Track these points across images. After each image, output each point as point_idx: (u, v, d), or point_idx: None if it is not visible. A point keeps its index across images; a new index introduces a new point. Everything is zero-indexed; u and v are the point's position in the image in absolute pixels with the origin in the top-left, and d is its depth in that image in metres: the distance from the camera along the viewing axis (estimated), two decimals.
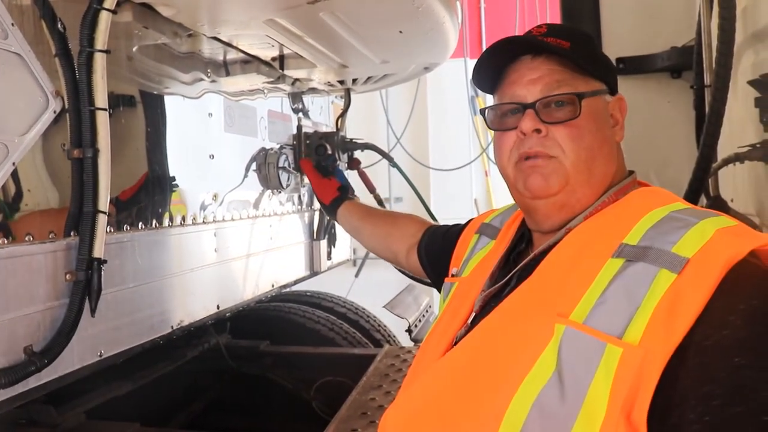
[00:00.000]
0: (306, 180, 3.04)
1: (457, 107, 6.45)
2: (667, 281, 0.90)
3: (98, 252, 1.52)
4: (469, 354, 1.10)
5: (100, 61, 1.51)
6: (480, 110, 1.35)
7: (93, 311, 1.53)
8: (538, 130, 1.15)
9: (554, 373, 0.92)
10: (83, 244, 1.50)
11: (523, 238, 1.31)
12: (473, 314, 1.23)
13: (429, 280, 1.91)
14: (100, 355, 1.61)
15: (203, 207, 2.11)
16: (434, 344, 1.26)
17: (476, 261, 1.41)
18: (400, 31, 2.12)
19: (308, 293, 3.70)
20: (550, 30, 1.22)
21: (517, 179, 1.21)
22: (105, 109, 1.53)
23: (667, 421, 0.84)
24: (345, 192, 2.42)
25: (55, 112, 1.47)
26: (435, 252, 1.77)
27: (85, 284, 1.50)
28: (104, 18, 1.51)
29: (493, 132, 1.29)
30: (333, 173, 3.05)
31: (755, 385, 0.82)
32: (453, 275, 1.49)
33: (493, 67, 1.24)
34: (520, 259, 1.25)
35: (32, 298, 1.40)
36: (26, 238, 1.40)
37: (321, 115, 3.35)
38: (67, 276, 1.49)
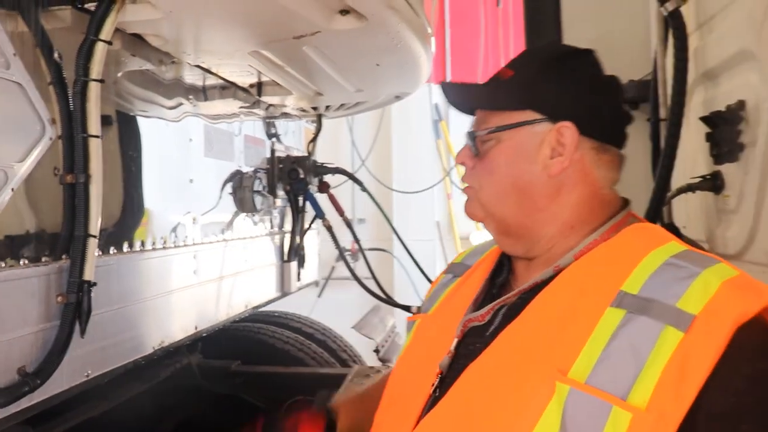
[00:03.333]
0: (278, 202, 3.11)
1: (421, 131, 6.60)
2: (675, 340, 0.88)
3: (88, 275, 1.56)
4: (463, 409, 1.06)
5: (94, 89, 1.57)
6: None
7: (83, 332, 1.57)
8: (463, 163, 1.20)
9: None
10: (74, 267, 1.54)
11: (502, 266, 1.26)
12: (456, 339, 1.18)
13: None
14: (87, 376, 1.64)
15: (183, 230, 2.17)
16: (417, 376, 1.22)
17: (443, 297, 1.38)
18: (377, 64, 2.22)
19: (276, 314, 3.74)
20: (515, 58, 1.23)
21: None
22: (98, 136, 1.58)
23: None
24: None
25: (51, 139, 1.52)
26: None
27: (76, 306, 1.54)
28: (100, 49, 1.57)
29: (455, 155, 1.30)
30: (305, 197, 3.13)
31: None
32: (414, 313, 1.49)
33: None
34: (502, 290, 1.22)
35: (26, 319, 1.44)
36: (21, 262, 1.44)
37: (292, 139, 3.42)
38: (59, 298, 1.53)
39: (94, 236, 1.58)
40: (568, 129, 1.10)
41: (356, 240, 3.37)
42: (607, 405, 0.87)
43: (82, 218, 1.56)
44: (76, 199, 1.56)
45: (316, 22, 1.74)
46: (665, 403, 0.85)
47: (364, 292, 6.60)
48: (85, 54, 1.56)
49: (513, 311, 1.10)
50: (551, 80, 1.14)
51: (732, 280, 0.94)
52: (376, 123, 6.35)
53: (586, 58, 1.18)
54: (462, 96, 1.26)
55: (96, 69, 1.57)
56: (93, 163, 1.58)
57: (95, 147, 1.58)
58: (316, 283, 6.34)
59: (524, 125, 1.12)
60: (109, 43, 1.58)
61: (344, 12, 1.73)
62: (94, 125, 1.57)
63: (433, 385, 1.15)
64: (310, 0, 1.66)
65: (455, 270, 1.42)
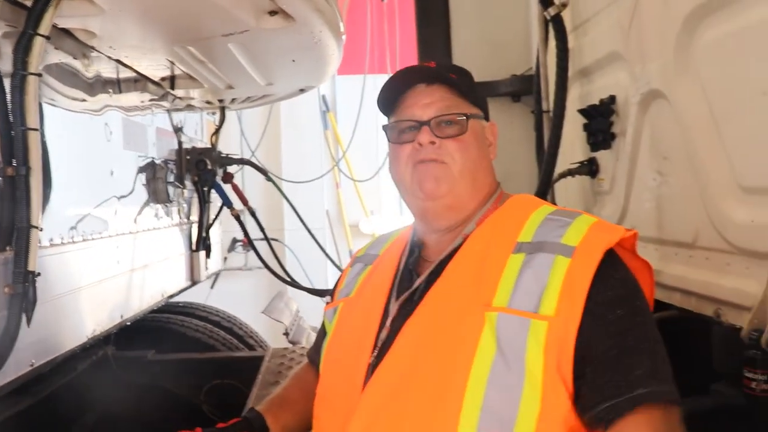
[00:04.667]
0: (186, 194, 3.15)
1: (310, 122, 6.71)
2: (564, 264, 1.21)
3: (32, 265, 1.59)
4: (410, 354, 1.27)
5: (33, 83, 1.59)
6: (382, 126, 1.58)
7: (29, 322, 1.60)
8: (432, 142, 1.37)
9: (497, 352, 1.17)
10: (19, 258, 1.57)
11: (413, 250, 1.48)
12: (390, 317, 1.36)
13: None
14: (32, 365, 1.67)
15: (106, 221, 2.19)
16: (354, 350, 1.38)
17: (359, 282, 1.55)
18: (294, 60, 2.34)
19: (181, 304, 3.76)
20: (439, 65, 1.48)
21: (413, 182, 1.40)
22: (37, 129, 1.61)
23: (582, 361, 1.17)
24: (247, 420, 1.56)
25: None
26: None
27: (22, 296, 1.57)
28: (38, 43, 1.59)
29: (390, 145, 1.47)
30: (211, 187, 3.20)
31: (632, 326, 1.20)
32: (328, 303, 1.64)
33: (391, 93, 1.46)
34: (418, 264, 1.44)
35: None
36: None
37: (193, 130, 3.46)
38: (6, 289, 1.55)
39: (37, 227, 1.61)
40: (495, 126, 1.51)
41: (261, 229, 3.47)
42: (527, 320, 1.18)
43: (24, 210, 1.58)
44: (17, 191, 1.58)
45: (247, 21, 1.85)
46: (566, 309, 1.18)
47: (256, 283, 6.65)
48: (24, 48, 1.58)
49: (434, 275, 1.35)
50: (478, 90, 1.50)
51: (595, 224, 1.29)
52: (266, 114, 6.39)
53: None
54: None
55: (34, 63, 1.59)
56: (33, 155, 1.60)
57: (35, 140, 1.61)
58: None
59: (479, 118, 1.45)
60: (47, 37, 1.61)
61: (273, 12, 1.84)
62: (33, 118, 1.60)
63: (370, 356, 1.34)
64: (243, 0, 1.77)
65: (363, 260, 1.62)
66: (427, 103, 1.40)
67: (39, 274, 1.61)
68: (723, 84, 1.76)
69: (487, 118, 1.49)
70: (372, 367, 1.32)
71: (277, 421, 1.54)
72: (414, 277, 1.41)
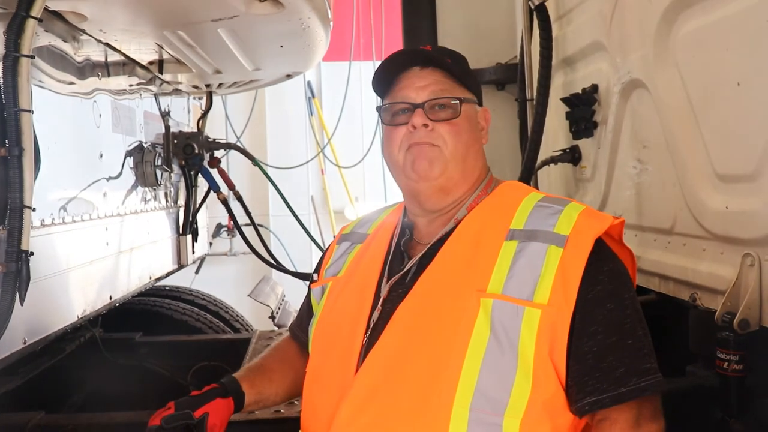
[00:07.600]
0: (173, 178, 3.17)
1: (295, 108, 6.72)
2: (557, 254, 1.25)
3: (26, 244, 1.61)
4: (404, 336, 1.30)
5: (25, 65, 1.60)
6: (376, 108, 1.60)
7: (22, 300, 1.61)
8: (426, 125, 1.38)
9: (491, 336, 1.22)
10: (12, 237, 1.58)
11: (404, 231, 1.50)
12: (381, 298, 1.39)
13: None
14: (25, 343, 1.70)
15: (96, 203, 2.21)
16: (346, 331, 1.40)
17: (348, 261, 1.55)
18: (281, 46, 2.37)
19: (167, 287, 3.79)
20: (435, 49, 1.51)
21: (406, 163, 1.41)
22: (30, 111, 1.63)
23: (573, 354, 1.23)
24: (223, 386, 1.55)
25: None
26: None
27: (16, 275, 1.59)
28: (30, 25, 1.60)
29: (383, 127, 1.48)
30: (198, 172, 3.22)
31: (620, 321, 1.25)
32: (315, 280, 1.63)
33: (386, 75, 1.48)
34: (409, 247, 1.46)
35: None
36: None
37: (182, 115, 3.48)
38: None
39: (29, 207, 1.63)
40: (487, 112, 1.52)
41: (248, 214, 3.50)
42: (521, 307, 1.23)
43: (17, 190, 1.60)
44: (10, 171, 1.60)
45: (236, 7, 1.87)
46: (559, 298, 1.23)
47: (241, 268, 6.66)
48: (16, 30, 1.58)
49: (426, 259, 1.37)
50: (473, 75, 1.54)
51: (585, 211, 1.33)
52: (251, 99, 6.39)
53: None
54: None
55: (27, 45, 1.60)
56: (25, 136, 1.61)
57: (27, 121, 1.62)
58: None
59: (472, 102, 1.47)
60: (40, 20, 1.62)
61: None
62: (25, 100, 1.61)
63: (363, 337, 1.36)
64: None
65: (351, 238, 1.63)
66: (422, 86, 1.42)
67: (32, 253, 1.63)
68: (700, 75, 1.81)
69: (480, 104, 1.51)
70: (365, 348, 1.35)
71: (253, 388, 1.57)
72: (405, 258, 1.43)
